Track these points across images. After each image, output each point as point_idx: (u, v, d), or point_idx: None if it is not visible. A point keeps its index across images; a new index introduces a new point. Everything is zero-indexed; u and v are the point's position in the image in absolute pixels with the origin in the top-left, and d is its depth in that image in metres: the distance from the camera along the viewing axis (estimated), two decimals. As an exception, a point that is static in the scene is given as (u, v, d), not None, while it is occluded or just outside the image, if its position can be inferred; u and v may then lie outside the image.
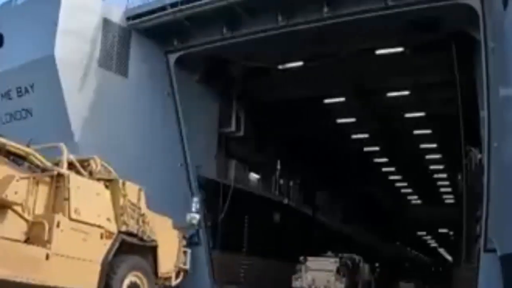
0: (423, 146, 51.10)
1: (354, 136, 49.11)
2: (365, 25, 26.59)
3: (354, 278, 35.80)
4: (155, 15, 28.15)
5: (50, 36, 24.56)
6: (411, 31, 27.25)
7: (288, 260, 38.80)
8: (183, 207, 24.07)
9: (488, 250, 20.70)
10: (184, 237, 17.47)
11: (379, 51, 31.71)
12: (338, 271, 33.07)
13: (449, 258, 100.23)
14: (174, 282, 16.54)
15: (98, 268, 13.40)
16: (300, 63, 33.53)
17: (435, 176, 63.89)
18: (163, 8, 27.87)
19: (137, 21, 28.46)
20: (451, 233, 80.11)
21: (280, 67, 33.88)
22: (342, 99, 40.29)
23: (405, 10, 24.80)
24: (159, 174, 26.82)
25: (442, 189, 68.79)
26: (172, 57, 30.34)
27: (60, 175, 13.26)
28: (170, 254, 16.34)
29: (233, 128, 36.56)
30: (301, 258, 33.90)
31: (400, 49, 31.17)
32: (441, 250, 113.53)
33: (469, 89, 28.12)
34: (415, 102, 39.35)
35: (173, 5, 27.49)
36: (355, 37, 28.82)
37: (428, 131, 46.20)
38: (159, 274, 15.66)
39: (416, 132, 46.94)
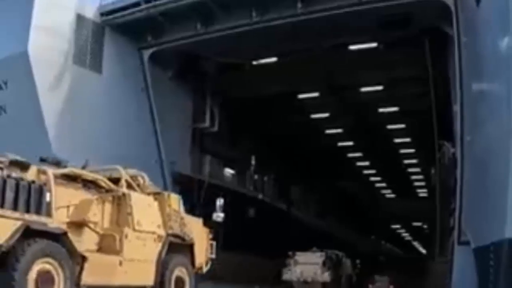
0: (397, 140, 51.34)
1: (328, 131, 49.14)
2: (338, 21, 26.74)
3: (338, 271, 36.67)
4: (129, 10, 28.15)
5: (24, 32, 24.46)
6: (384, 26, 27.37)
7: (264, 255, 38.92)
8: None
9: (462, 242, 20.90)
10: (210, 232, 19.92)
11: (353, 47, 31.87)
12: (324, 264, 34.21)
13: (424, 251, 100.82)
14: (204, 269, 19.15)
15: (154, 267, 15.79)
16: (274, 59, 33.62)
17: (409, 170, 64.14)
18: (137, 4, 27.87)
19: (111, 17, 28.41)
20: (425, 226, 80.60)
21: (254, 63, 33.96)
22: (316, 94, 40.40)
23: (378, 6, 25.00)
24: (134, 170, 26.74)
25: (416, 183, 69.07)
26: (146, 53, 30.31)
27: (122, 194, 15.56)
28: (202, 248, 18.93)
29: (207, 123, 36.51)
30: (290, 252, 34.99)
31: (373, 45, 31.38)
32: (416, 244, 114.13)
33: (442, 84, 28.39)
34: (389, 97, 39.57)
35: (147, 0, 27.50)
36: (328, 33, 28.93)
37: (401, 126, 46.49)
38: (196, 266, 18.18)
39: (390, 126, 47.23)
